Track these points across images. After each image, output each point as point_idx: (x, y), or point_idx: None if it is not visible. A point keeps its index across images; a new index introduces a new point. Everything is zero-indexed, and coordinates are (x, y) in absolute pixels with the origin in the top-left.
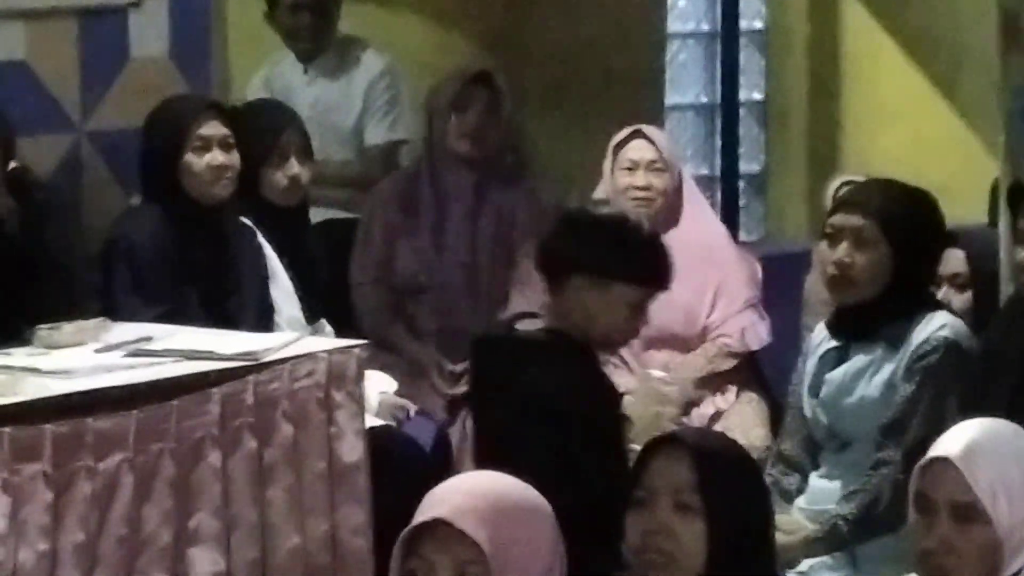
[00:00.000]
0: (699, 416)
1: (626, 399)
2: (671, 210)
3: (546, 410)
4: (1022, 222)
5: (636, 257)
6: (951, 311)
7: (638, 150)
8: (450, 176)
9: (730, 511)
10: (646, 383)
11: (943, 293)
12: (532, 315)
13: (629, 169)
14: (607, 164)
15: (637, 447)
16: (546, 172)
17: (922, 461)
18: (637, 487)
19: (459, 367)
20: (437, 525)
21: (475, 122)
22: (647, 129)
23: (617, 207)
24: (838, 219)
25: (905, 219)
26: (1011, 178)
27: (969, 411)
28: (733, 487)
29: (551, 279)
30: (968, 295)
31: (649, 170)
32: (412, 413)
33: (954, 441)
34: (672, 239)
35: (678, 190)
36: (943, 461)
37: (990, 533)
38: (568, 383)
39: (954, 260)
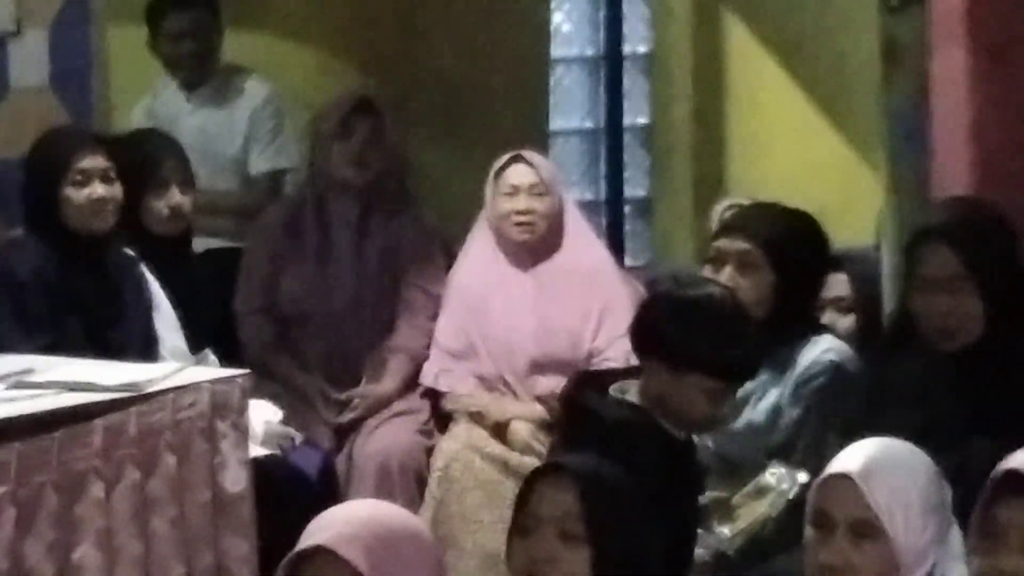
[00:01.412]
0: None
1: (515, 424)
2: (553, 234)
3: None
4: (923, 267)
5: (712, 347)
6: (835, 334)
7: (519, 175)
8: (335, 203)
9: (616, 539)
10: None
11: (827, 317)
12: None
13: (510, 194)
14: (488, 189)
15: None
16: (432, 198)
17: (820, 477)
18: (523, 514)
19: (344, 395)
20: (319, 552)
21: (359, 149)
22: (527, 154)
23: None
24: (722, 243)
25: (788, 243)
26: (896, 206)
27: (855, 434)
28: (619, 515)
29: (639, 358)
30: (852, 318)
31: (530, 194)
32: (297, 442)
33: (853, 458)
34: (555, 263)
35: (560, 214)
36: (842, 478)
37: (887, 550)
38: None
39: (838, 284)
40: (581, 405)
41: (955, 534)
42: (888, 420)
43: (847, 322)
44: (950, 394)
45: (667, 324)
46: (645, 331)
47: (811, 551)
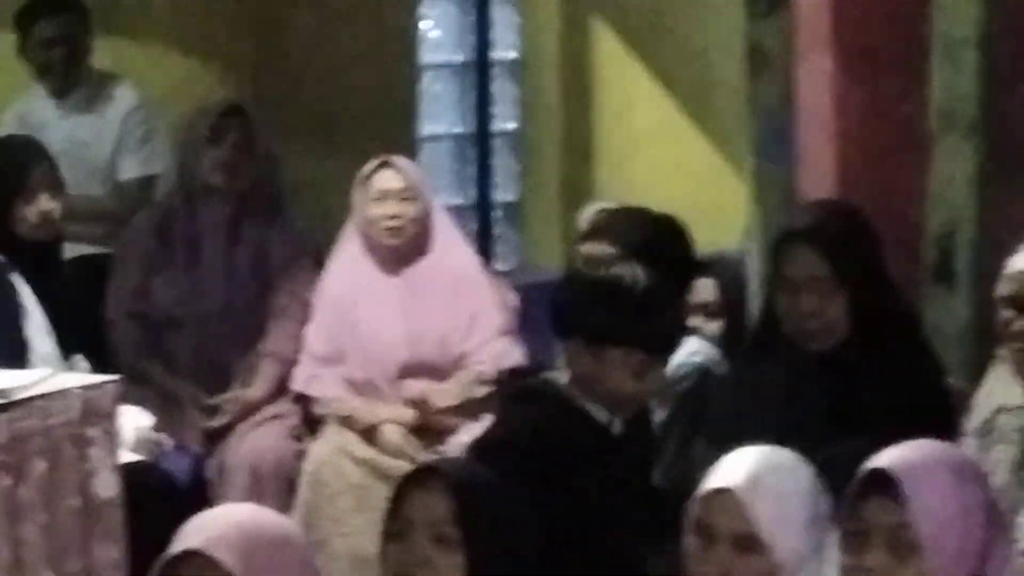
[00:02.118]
0: (456, 445)
1: (385, 428)
2: (422, 239)
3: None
4: (788, 268)
5: (631, 319)
6: (703, 338)
7: (386, 180)
8: (205, 209)
9: (489, 543)
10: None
11: (695, 321)
12: None
13: (378, 199)
14: (357, 195)
15: None
16: (303, 204)
17: (702, 490)
18: (395, 519)
19: (215, 400)
20: (192, 556)
21: (229, 155)
22: (395, 159)
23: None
24: (589, 248)
25: (654, 246)
26: (762, 210)
27: (721, 437)
28: (492, 518)
29: (561, 340)
30: (719, 323)
31: (398, 199)
32: (168, 448)
33: (735, 471)
34: (423, 268)
35: (428, 219)
36: (725, 491)
37: (769, 562)
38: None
39: (705, 288)
40: (512, 396)
41: (832, 542)
42: (753, 423)
43: (715, 327)
44: (814, 395)
45: (584, 301)
46: (563, 311)
47: (692, 560)
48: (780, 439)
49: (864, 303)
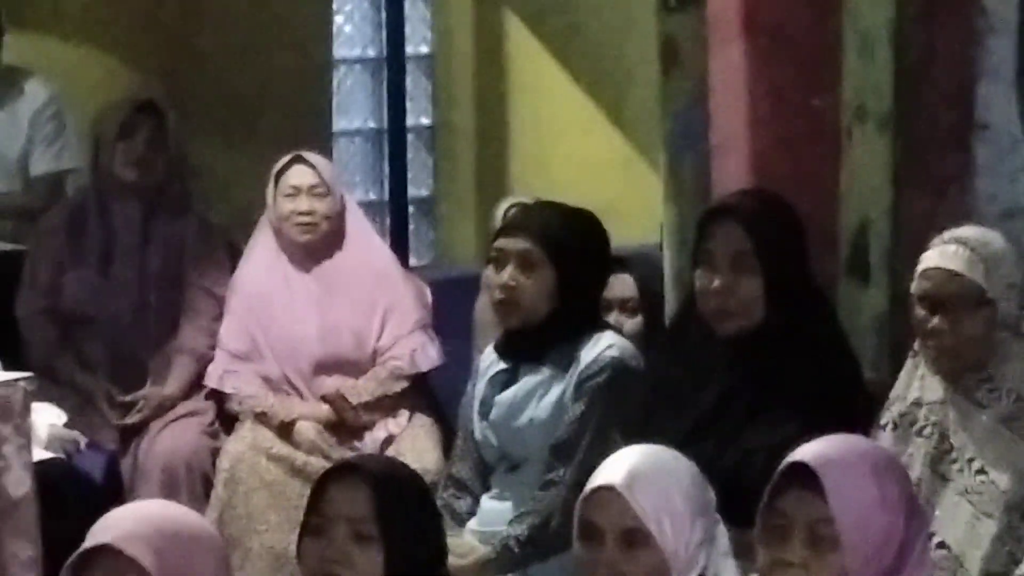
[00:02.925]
0: (372, 440)
1: (300, 424)
2: (336, 234)
3: None
4: (709, 242)
5: None
6: (622, 335)
7: (299, 175)
8: (117, 205)
9: (406, 539)
10: None
11: (614, 318)
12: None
13: (291, 195)
14: (270, 191)
15: None
16: (216, 200)
17: (586, 491)
18: (314, 515)
19: (129, 397)
20: (104, 551)
21: (141, 150)
22: (307, 155)
23: None
24: (503, 243)
25: (569, 241)
26: (676, 205)
27: (637, 432)
28: (409, 515)
29: None
30: (638, 319)
31: (311, 195)
32: (82, 445)
33: (616, 469)
34: (337, 263)
35: (342, 214)
36: (607, 489)
37: (657, 557)
38: None
39: (623, 284)
40: None
41: (721, 532)
42: (665, 413)
43: (634, 323)
44: (728, 382)
45: None
46: None
47: (582, 564)
48: (692, 428)
49: (780, 286)
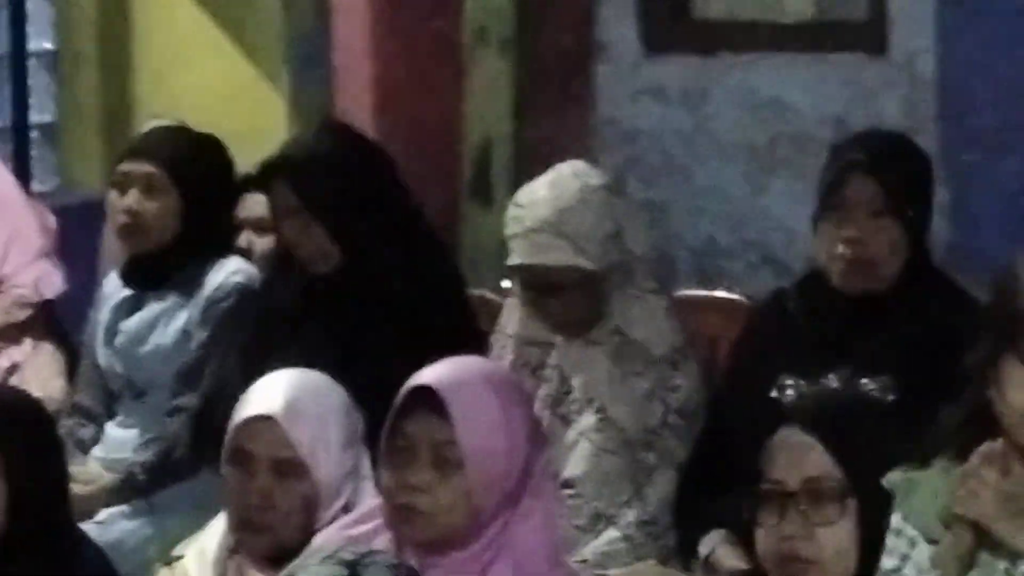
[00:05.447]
0: None
1: None
2: None
3: None
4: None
5: None
6: (254, 255)
7: None
8: None
9: (27, 468)
10: None
11: (244, 238)
12: None
13: None
14: None
15: None
16: None
17: (240, 417)
18: None
19: None
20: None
21: None
22: None
23: None
24: (126, 167)
25: (193, 165)
26: (298, 123)
27: (251, 358)
28: (29, 444)
29: None
30: (270, 239)
31: None
32: None
33: (273, 397)
34: None
35: None
36: (264, 419)
37: (309, 486)
38: None
39: (255, 203)
40: None
41: (364, 459)
42: (273, 344)
43: (265, 243)
44: (317, 320)
45: None
46: None
47: (230, 488)
48: (293, 362)
49: (345, 231)
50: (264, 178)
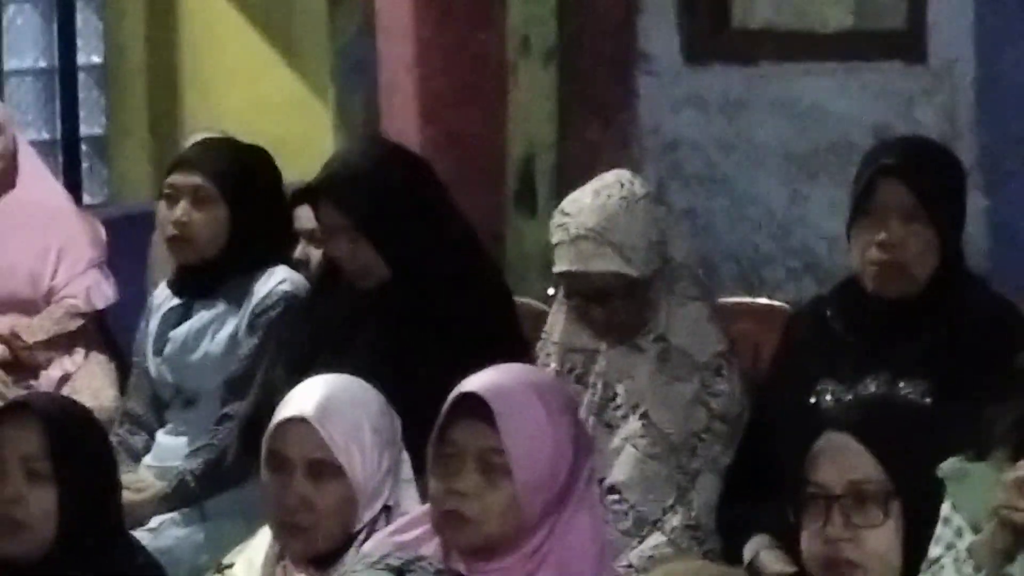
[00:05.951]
0: (47, 379)
1: None
2: (8, 174)
3: None
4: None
5: None
6: (305, 266)
7: None
8: None
9: (80, 477)
10: None
11: (301, 249)
12: None
13: None
14: None
15: None
16: None
17: (275, 421)
18: None
19: None
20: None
21: None
22: None
23: None
24: (175, 179)
25: (240, 177)
26: (344, 134)
27: (296, 366)
28: (82, 452)
29: None
30: None
31: None
32: None
33: (306, 400)
34: (10, 203)
35: (14, 155)
36: (298, 420)
37: (345, 487)
38: None
39: (311, 217)
40: None
41: (405, 460)
42: (319, 354)
43: (321, 254)
44: (366, 334)
45: None
46: None
47: (269, 493)
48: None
49: (391, 248)
50: (311, 196)
